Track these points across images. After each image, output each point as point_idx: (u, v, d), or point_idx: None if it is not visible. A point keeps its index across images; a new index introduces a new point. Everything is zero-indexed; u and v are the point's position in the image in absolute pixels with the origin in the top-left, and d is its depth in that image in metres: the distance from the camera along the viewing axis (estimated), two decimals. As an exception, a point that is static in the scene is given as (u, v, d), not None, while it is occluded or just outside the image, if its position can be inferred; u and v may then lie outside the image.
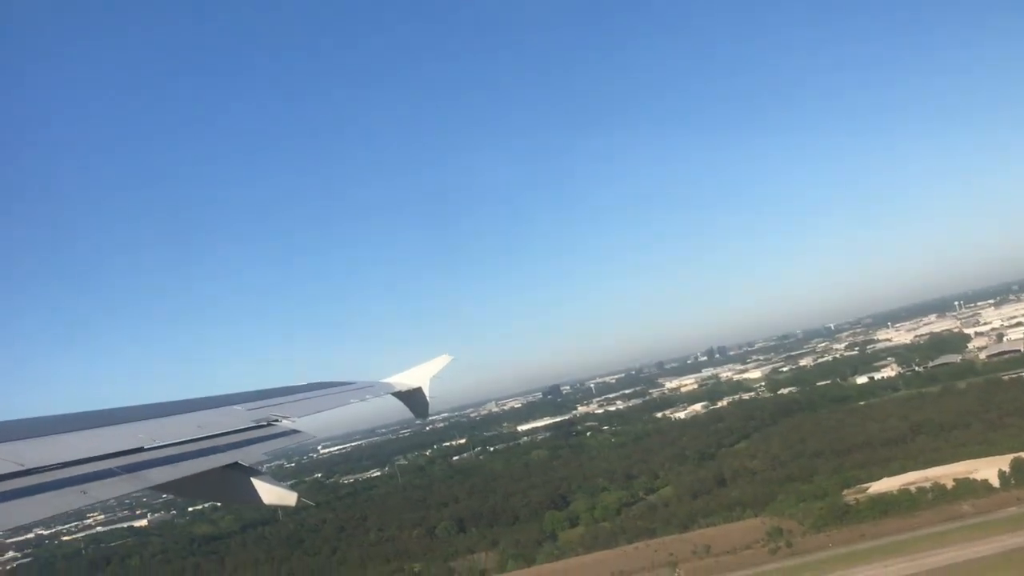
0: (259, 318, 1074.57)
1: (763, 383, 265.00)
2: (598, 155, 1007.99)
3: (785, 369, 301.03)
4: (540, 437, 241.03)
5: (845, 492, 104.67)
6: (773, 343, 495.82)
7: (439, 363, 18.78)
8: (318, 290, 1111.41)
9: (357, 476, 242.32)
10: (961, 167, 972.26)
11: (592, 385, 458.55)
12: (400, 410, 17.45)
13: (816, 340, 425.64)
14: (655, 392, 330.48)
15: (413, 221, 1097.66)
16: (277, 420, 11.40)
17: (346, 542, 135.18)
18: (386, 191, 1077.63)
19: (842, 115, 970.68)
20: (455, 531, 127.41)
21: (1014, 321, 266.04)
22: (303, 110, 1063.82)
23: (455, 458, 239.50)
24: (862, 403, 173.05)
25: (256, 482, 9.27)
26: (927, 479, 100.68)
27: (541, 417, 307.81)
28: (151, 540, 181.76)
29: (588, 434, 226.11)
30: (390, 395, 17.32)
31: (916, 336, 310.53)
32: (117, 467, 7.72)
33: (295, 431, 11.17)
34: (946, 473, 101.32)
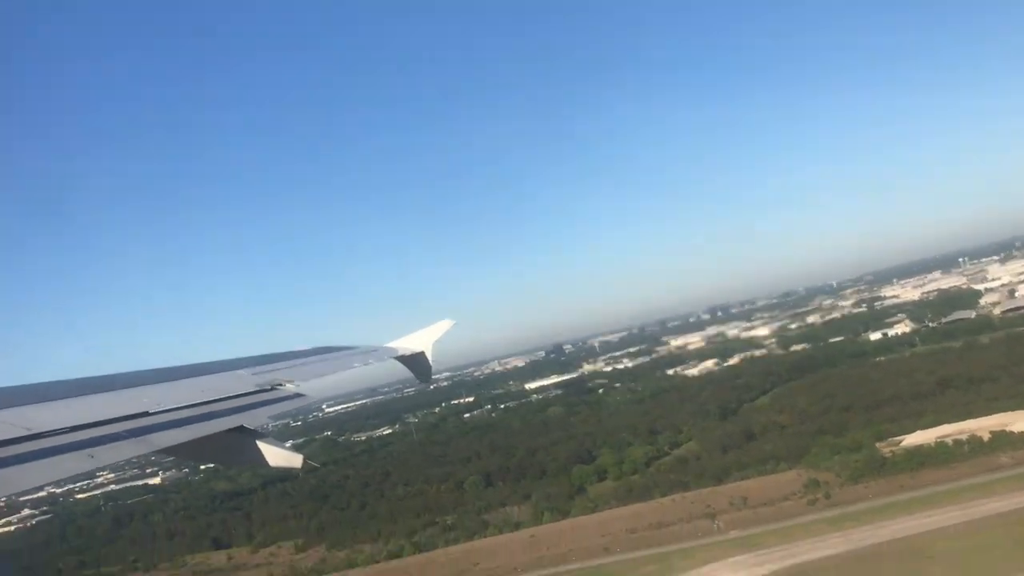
0: (259, 284, 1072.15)
1: (773, 340, 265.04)
2: (595, 112, 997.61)
3: (793, 326, 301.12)
4: (552, 395, 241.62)
5: (879, 445, 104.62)
6: (775, 301, 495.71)
7: (441, 328, 18.84)
8: (316, 254, 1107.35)
9: (369, 434, 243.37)
10: (961, 122, 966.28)
11: (596, 343, 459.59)
12: (401, 371, 17.73)
13: (820, 297, 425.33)
14: (661, 350, 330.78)
15: (408, 181, 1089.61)
16: (281, 384, 11.39)
17: (372, 497, 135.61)
18: (381, 153, 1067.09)
19: (838, 69, 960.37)
20: (483, 486, 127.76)
21: (1023, 277, 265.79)
22: (294, 71, 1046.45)
23: (466, 415, 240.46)
24: (880, 359, 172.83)
25: (262, 445, 9.39)
26: (962, 432, 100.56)
27: (548, 375, 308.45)
28: (170, 497, 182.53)
29: (600, 391, 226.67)
30: (392, 359, 17.45)
31: (924, 293, 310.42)
32: (123, 431, 7.78)
33: (299, 395, 11.24)
34: (981, 426, 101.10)
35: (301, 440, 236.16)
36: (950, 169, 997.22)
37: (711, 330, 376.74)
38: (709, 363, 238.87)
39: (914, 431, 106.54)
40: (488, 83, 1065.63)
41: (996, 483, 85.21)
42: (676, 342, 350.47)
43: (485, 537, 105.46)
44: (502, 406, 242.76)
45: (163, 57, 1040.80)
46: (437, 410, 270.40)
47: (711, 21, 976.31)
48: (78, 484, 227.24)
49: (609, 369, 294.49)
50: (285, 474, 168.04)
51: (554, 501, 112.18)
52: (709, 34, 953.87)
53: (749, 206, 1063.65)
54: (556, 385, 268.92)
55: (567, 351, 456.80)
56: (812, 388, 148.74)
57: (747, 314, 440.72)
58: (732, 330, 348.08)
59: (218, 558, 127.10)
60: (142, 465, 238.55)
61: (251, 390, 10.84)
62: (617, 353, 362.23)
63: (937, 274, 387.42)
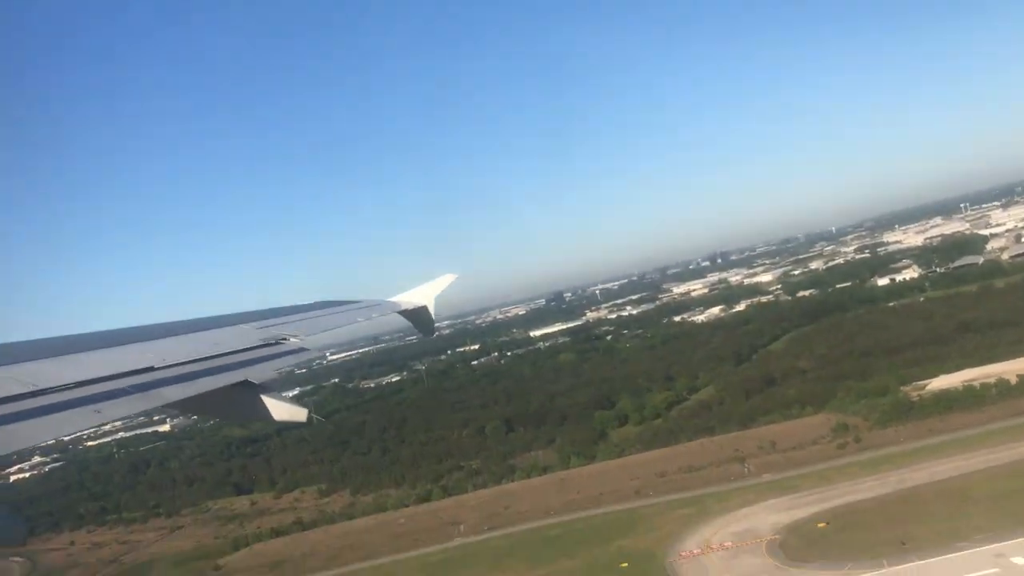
0: (260, 238, 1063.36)
1: (779, 286, 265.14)
2: (592, 57, 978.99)
3: (797, 272, 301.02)
4: (560, 342, 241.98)
5: (904, 389, 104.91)
6: (775, 247, 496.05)
7: (443, 282, 18.98)
8: (313, 205, 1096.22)
9: (377, 381, 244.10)
10: (961, 68, 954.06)
11: (597, 291, 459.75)
12: (403, 321, 17.92)
13: (821, 243, 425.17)
14: (665, 297, 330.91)
15: (405, 128, 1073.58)
16: (285, 339, 11.46)
17: (392, 443, 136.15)
18: (378, 96, 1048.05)
19: (834, 11, 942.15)
20: (504, 431, 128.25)
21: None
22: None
23: (474, 363, 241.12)
24: (892, 304, 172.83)
25: (266, 399, 9.47)
26: (988, 376, 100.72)
27: (552, 323, 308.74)
28: (184, 444, 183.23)
29: (608, 338, 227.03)
30: (394, 312, 17.68)
31: (927, 239, 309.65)
32: (130, 386, 7.83)
33: (303, 349, 11.33)
34: (1007, 369, 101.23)
35: (309, 387, 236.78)
36: (949, 115, 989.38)
37: (712, 277, 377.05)
38: (715, 309, 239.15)
39: (938, 375, 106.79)
40: (487, 23, 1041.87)
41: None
42: (679, 289, 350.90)
43: (513, 481, 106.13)
44: (509, 353, 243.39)
45: None
46: (443, 357, 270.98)
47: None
48: (87, 432, 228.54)
49: (613, 316, 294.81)
50: (300, 421, 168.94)
51: (579, 446, 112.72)
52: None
53: (747, 152, 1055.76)
54: (562, 333, 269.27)
55: (567, 299, 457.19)
56: (828, 333, 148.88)
57: (747, 261, 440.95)
58: (734, 277, 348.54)
59: (241, 503, 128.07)
60: (149, 413, 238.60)
61: (255, 344, 10.88)
62: (619, 301, 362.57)
63: (938, 220, 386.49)
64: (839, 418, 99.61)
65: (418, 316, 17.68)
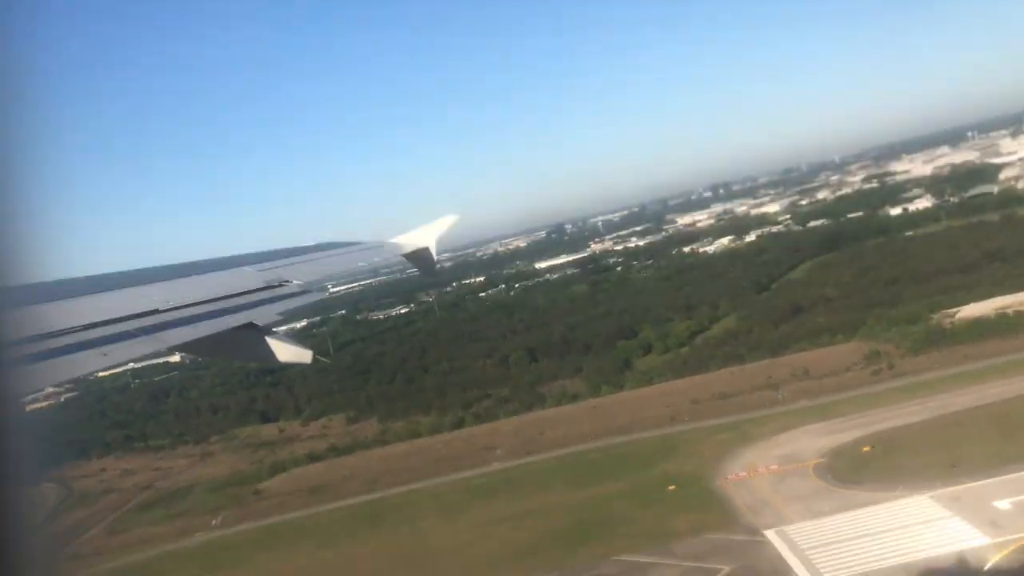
0: (260, 179, 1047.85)
1: (787, 216, 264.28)
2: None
3: (804, 203, 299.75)
4: (568, 274, 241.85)
5: (934, 317, 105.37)
6: (777, 177, 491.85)
7: (445, 223, 18.99)
8: (309, 141, 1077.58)
9: (385, 312, 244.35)
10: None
11: (598, 223, 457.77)
12: (401, 258, 18.16)
13: (825, 173, 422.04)
14: (669, 228, 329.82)
15: (398, 62, 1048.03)
16: (288, 281, 11.56)
17: (416, 372, 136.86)
18: (370, 32, 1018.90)
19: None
20: (527, 361, 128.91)
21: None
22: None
23: (482, 294, 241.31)
24: (909, 234, 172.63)
25: (271, 341, 9.61)
26: (1021, 303, 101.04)
27: (555, 255, 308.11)
28: (201, 374, 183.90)
29: (618, 269, 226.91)
30: (396, 254, 17.89)
31: (936, 168, 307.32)
32: (135, 329, 7.89)
33: (306, 291, 11.48)
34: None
35: (317, 318, 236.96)
36: (953, 40, 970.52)
37: (716, 207, 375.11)
38: (725, 240, 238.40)
39: (968, 303, 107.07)
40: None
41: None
42: (682, 220, 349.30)
43: (544, 408, 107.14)
44: (517, 285, 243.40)
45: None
46: (448, 290, 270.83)
47: None
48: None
49: (620, 248, 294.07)
50: (318, 351, 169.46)
51: (606, 375, 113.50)
52: None
53: (746, 80, 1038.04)
54: (569, 264, 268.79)
55: (568, 231, 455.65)
56: (850, 262, 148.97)
57: (750, 191, 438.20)
58: (739, 207, 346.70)
59: (268, 431, 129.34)
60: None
61: (259, 286, 10.98)
62: (623, 232, 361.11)
63: (945, 149, 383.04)
64: (871, 345, 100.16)
65: (420, 257, 17.75)
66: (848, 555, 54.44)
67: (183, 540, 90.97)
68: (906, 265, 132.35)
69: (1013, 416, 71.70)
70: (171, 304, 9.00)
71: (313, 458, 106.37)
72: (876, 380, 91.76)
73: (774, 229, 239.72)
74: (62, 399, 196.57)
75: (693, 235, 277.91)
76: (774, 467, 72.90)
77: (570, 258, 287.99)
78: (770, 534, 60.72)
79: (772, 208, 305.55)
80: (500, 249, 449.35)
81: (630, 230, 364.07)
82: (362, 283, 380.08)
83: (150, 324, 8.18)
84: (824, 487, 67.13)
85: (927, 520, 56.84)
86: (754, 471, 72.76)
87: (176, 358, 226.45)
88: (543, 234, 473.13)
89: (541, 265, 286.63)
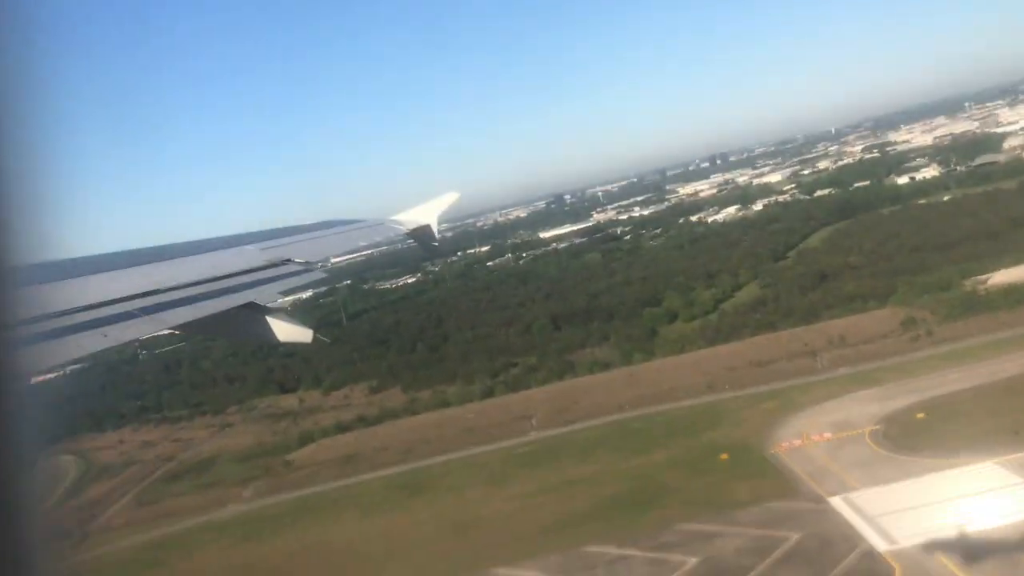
0: (261, 159, 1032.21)
1: (792, 186, 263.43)
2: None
3: (807, 172, 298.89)
4: (577, 243, 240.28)
5: (966, 283, 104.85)
6: (774, 148, 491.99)
7: (446, 200, 19.20)
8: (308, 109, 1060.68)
9: (393, 282, 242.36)
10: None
11: (598, 193, 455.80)
12: (401, 231, 17.99)
13: (823, 144, 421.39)
14: (672, 198, 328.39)
15: (400, 38, 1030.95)
16: (289, 260, 11.47)
17: (436, 341, 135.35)
18: (379, 5, 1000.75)
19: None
20: (551, 329, 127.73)
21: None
22: None
23: (489, 263, 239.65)
24: (922, 202, 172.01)
25: (272, 320, 9.58)
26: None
27: (559, 225, 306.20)
28: (212, 344, 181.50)
29: (627, 238, 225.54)
30: (397, 232, 17.74)
31: (936, 138, 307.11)
32: (135, 309, 7.84)
33: (308, 268, 11.42)
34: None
35: (323, 289, 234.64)
36: (947, 10, 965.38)
37: (716, 178, 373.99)
38: (731, 209, 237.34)
39: (998, 269, 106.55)
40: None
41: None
42: (685, 190, 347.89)
43: (576, 377, 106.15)
44: (524, 255, 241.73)
45: None
46: (453, 260, 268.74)
47: None
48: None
49: (624, 217, 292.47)
50: (331, 320, 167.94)
51: (635, 342, 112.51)
52: None
53: (740, 53, 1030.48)
54: (574, 234, 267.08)
55: (568, 201, 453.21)
56: (867, 231, 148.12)
57: (749, 162, 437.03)
58: (740, 177, 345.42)
59: (288, 401, 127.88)
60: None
61: (260, 265, 10.86)
62: (625, 202, 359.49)
63: (943, 119, 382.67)
64: (906, 312, 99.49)
65: (421, 234, 17.92)
66: (923, 521, 53.90)
67: (215, 511, 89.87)
68: (928, 232, 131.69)
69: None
70: (171, 283, 8.93)
71: (342, 428, 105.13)
72: (915, 347, 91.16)
73: (781, 198, 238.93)
74: (68, 370, 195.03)
75: (697, 205, 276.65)
76: (827, 435, 72.29)
77: (575, 227, 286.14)
78: (835, 501, 60.15)
79: (774, 178, 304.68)
80: (500, 219, 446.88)
81: (631, 200, 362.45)
82: (364, 253, 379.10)
83: (151, 304, 8.13)
84: (883, 454, 66.58)
85: (1001, 486, 56.35)
86: (807, 438, 72.11)
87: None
88: (543, 204, 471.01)
89: (546, 235, 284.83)
